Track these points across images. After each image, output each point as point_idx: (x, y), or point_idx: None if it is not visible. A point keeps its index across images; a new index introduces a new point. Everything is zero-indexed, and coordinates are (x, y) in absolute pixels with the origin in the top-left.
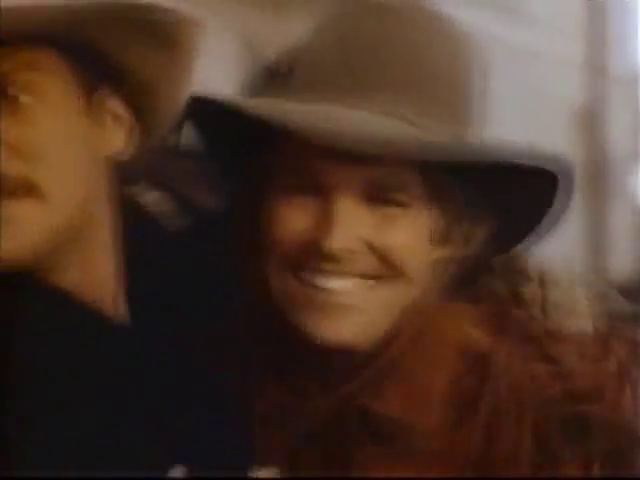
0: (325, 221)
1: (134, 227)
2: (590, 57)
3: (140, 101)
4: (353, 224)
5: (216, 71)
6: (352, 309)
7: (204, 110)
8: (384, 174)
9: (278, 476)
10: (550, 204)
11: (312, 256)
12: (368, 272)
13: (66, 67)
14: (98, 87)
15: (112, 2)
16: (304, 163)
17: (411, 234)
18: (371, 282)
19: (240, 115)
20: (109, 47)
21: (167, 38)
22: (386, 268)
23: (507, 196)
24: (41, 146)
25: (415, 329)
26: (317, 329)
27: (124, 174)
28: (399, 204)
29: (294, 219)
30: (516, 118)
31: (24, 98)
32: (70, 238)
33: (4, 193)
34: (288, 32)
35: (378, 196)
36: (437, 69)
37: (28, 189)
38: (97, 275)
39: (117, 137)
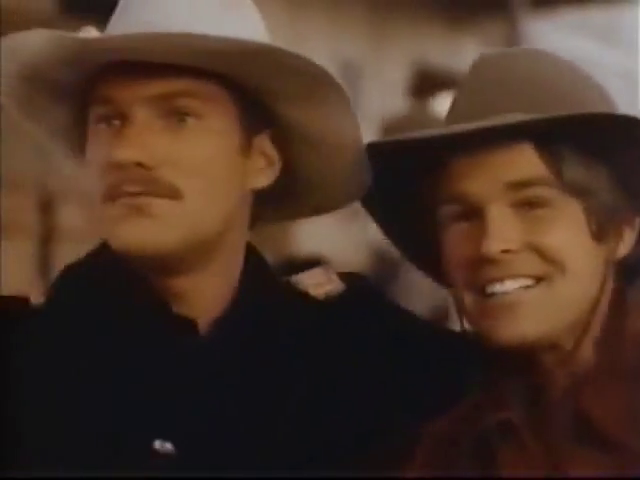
0: (482, 233)
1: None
2: None
3: (291, 144)
4: (507, 229)
5: None
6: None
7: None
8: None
9: None
10: None
11: (481, 267)
12: (532, 272)
13: (233, 107)
14: (259, 132)
15: (271, 47)
16: (460, 188)
17: (568, 231)
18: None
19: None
20: (271, 98)
21: (322, 95)
22: (548, 266)
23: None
24: (190, 162)
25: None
26: (498, 332)
27: None
28: (543, 204)
29: (460, 243)
30: None
31: (189, 120)
32: (199, 248)
33: (152, 194)
34: (387, 55)
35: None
36: (561, 91)
37: (172, 193)
38: (206, 294)
39: (264, 175)
